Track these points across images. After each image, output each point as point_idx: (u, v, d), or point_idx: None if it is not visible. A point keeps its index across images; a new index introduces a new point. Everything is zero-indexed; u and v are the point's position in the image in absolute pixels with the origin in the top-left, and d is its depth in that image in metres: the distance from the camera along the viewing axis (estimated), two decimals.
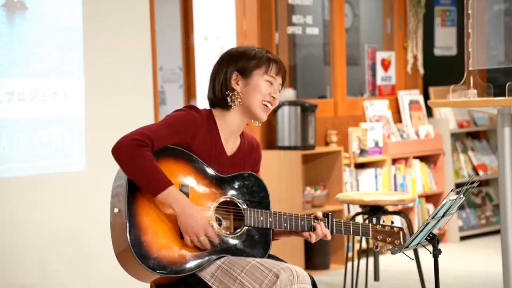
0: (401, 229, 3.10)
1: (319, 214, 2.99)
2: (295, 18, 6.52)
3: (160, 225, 2.78)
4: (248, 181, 2.95)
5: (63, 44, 4.73)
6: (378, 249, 3.11)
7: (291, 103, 6.07)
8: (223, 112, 2.97)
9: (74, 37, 4.77)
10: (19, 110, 4.55)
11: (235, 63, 2.95)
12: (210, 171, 2.90)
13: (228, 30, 6.30)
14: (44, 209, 4.64)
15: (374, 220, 3.12)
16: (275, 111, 6.09)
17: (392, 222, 3.17)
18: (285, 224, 2.93)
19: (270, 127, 6.18)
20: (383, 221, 3.10)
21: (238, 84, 2.95)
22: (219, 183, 2.91)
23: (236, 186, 2.93)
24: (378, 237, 3.06)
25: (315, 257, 6.02)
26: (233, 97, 2.94)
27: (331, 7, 6.75)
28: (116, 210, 2.81)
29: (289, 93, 6.49)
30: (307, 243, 5.95)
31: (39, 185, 4.62)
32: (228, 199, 2.92)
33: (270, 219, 2.91)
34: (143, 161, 2.75)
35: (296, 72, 7.29)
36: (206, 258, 2.82)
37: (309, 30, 6.59)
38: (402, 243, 3.08)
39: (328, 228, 2.98)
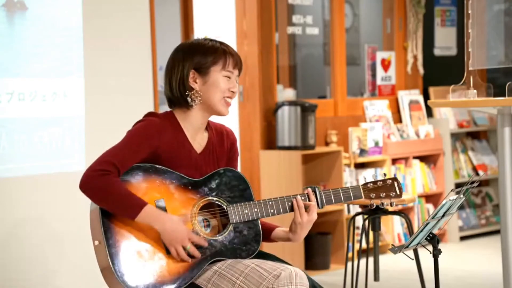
0: (394, 179, 3.02)
1: (308, 189, 2.93)
2: (295, 18, 6.52)
3: (144, 246, 2.74)
4: (224, 177, 2.90)
5: (63, 44, 4.73)
6: (373, 206, 3.02)
7: (291, 103, 6.07)
8: (184, 112, 2.91)
9: (74, 37, 4.77)
10: (19, 110, 4.55)
11: (191, 60, 2.88)
12: (183, 178, 2.84)
13: (228, 30, 6.30)
14: (44, 209, 4.64)
15: (364, 179, 3.07)
16: (275, 111, 6.10)
17: (385, 175, 3.09)
18: (271, 210, 2.87)
19: (270, 127, 6.18)
20: (375, 177, 3.03)
21: (196, 83, 2.88)
22: (195, 187, 2.85)
23: (213, 186, 2.87)
24: (372, 196, 2.99)
25: (315, 257, 6.01)
26: (192, 96, 2.88)
27: (331, 7, 6.75)
28: (96, 242, 2.77)
29: (289, 93, 6.49)
30: (307, 243, 5.95)
31: (39, 185, 4.62)
32: (209, 201, 2.86)
33: (256, 209, 2.86)
34: (111, 189, 2.71)
35: (296, 72, 7.29)
36: (199, 266, 2.77)
37: (309, 30, 6.60)
38: (398, 193, 3.01)
39: (317, 201, 2.91)
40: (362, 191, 2.99)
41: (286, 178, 5.90)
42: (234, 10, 6.23)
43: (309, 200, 2.91)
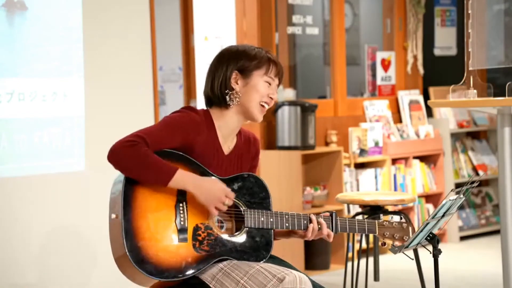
0: (410, 224, 3.06)
1: (326, 214, 2.98)
2: (295, 18, 6.52)
3: (158, 228, 2.76)
4: (248, 182, 2.93)
5: (63, 44, 4.73)
6: (385, 245, 3.07)
7: (291, 103, 6.07)
8: (221, 111, 2.95)
9: (74, 37, 4.77)
10: (19, 110, 4.55)
11: (236, 62, 2.94)
12: (209, 173, 2.88)
13: (228, 30, 6.30)
14: (44, 209, 4.64)
15: (381, 217, 3.10)
16: (275, 111, 6.10)
17: (401, 218, 3.12)
18: (287, 224, 2.90)
19: (270, 127, 6.18)
20: (391, 218, 3.07)
21: (237, 84, 2.94)
22: None
23: (235, 188, 2.90)
24: (385, 234, 3.03)
25: (315, 257, 6.02)
26: (231, 96, 2.93)
27: (331, 7, 6.75)
28: (113, 216, 2.78)
29: (289, 93, 6.49)
30: (307, 243, 5.95)
31: (39, 185, 4.62)
32: None
33: (271, 219, 2.89)
34: (141, 157, 2.73)
35: (296, 72, 7.30)
36: (206, 261, 2.80)
37: (309, 30, 6.60)
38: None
39: (332, 227, 2.96)
40: (377, 227, 3.02)
41: (286, 178, 5.90)
42: (234, 10, 6.23)
43: (320, 227, 2.95)
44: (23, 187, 4.57)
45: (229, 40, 6.29)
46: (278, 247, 5.79)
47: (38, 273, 4.63)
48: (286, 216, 2.91)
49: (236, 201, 2.89)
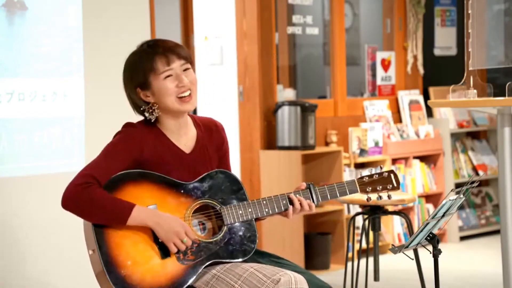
0: (391, 171, 2.97)
1: (302, 186, 2.92)
2: (295, 18, 6.52)
3: (138, 252, 2.72)
4: (217, 179, 2.87)
5: (63, 44, 4.73)
6: (371, 201, 2.98)
7: (291, 103, 6.07)
8: (157, 121, 2.89)
9: (74, 37, 4.77)
10: (19, 110, 4.55)
11: (131, 81, 2.86)
12: (174, 182, 2.81)
13: (228, 30, 6.30)
14: (44, 209, 4.64)
15: (360, 174, 3.04)
16: (275, 111, 6.10)
17: (381, 168, 3.00)
18: (266, 210, 2.85)
19: (270, 127, 6.18)
20: (371, 170, 2.97)
21: (147, 96, 2.85)
22: (188, 190, 2.82)
23: (206, 188, 2.84)
24: (368, 189, 2.94)
25: (315, 257, 6.01)
26: (150, 110, 2.85)
27: (331, 7, 6.75)
28: (90, 252, 2.75)
29: (289, 93, 6.50)
30: (307, 243, 5.95)
31: (39, 185, 4.62)
32: (202, 204, 2.84)
33: (250, 210, 2.84)
34: (95, 200, 2.69)
35: (296, 72, 7.29)
36: (195, 269, 2.75)
37: (309, 30, 6.60)
38: (395, 186, 2.95)
39: (312, 198, 2.91)
40: (357, 185, 2.95)
41: (286, 178, 5.90)
42: (234, 10, 6.23)
43: (301, 203, 2.90)
44: (23, 187, 4.57)
45: (229, 40, 6.29)
46: (278, 247, 5.79)
47: (38, 273, 4.63)
48: (264, 202, 2.86)
49: (210, 201, 2.84)
